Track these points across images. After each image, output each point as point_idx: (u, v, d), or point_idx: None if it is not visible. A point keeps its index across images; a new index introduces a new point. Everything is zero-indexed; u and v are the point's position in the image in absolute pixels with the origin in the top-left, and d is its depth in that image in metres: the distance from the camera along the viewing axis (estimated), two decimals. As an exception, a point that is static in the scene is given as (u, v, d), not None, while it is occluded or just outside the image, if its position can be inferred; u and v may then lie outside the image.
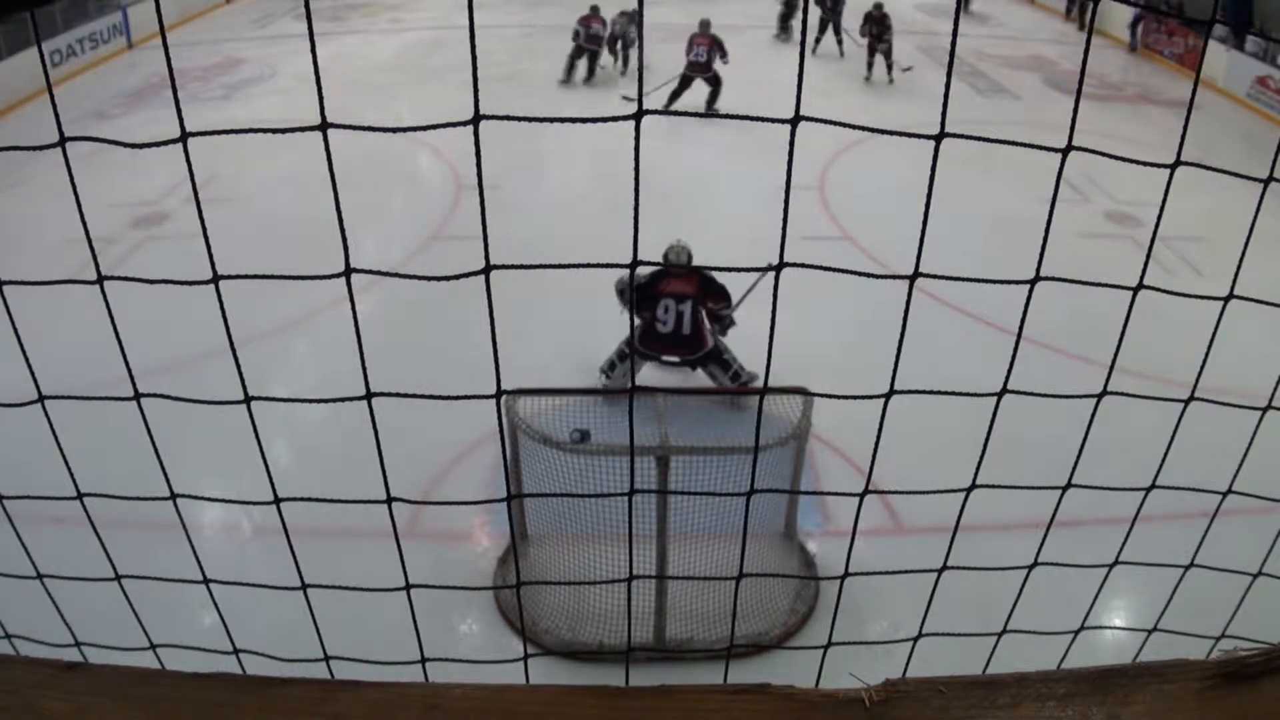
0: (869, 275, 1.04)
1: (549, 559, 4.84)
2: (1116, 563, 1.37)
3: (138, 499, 1.32)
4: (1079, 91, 1.16)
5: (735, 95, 12.74)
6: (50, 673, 0.92)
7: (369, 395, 1.08)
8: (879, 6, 14.45)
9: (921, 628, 1.30)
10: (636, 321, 6.45)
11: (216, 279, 1.02)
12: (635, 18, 13.31)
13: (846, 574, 1.25)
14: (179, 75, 13.19)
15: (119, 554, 1.33)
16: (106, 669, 0.93)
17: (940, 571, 1.25)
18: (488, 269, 0.98)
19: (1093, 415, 1.21)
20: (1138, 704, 0.87)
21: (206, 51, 16.01)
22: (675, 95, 12.83)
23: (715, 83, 12.90)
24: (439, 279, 1.09)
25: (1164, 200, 1.09)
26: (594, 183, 10.73)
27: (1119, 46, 17.37)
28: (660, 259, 6.27)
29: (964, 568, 1.30)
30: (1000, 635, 1.34)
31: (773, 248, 1.02)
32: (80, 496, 1.23)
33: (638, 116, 0.89)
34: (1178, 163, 1.05)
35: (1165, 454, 1.32)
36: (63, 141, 0.94)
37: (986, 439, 1.20)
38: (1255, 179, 1.10)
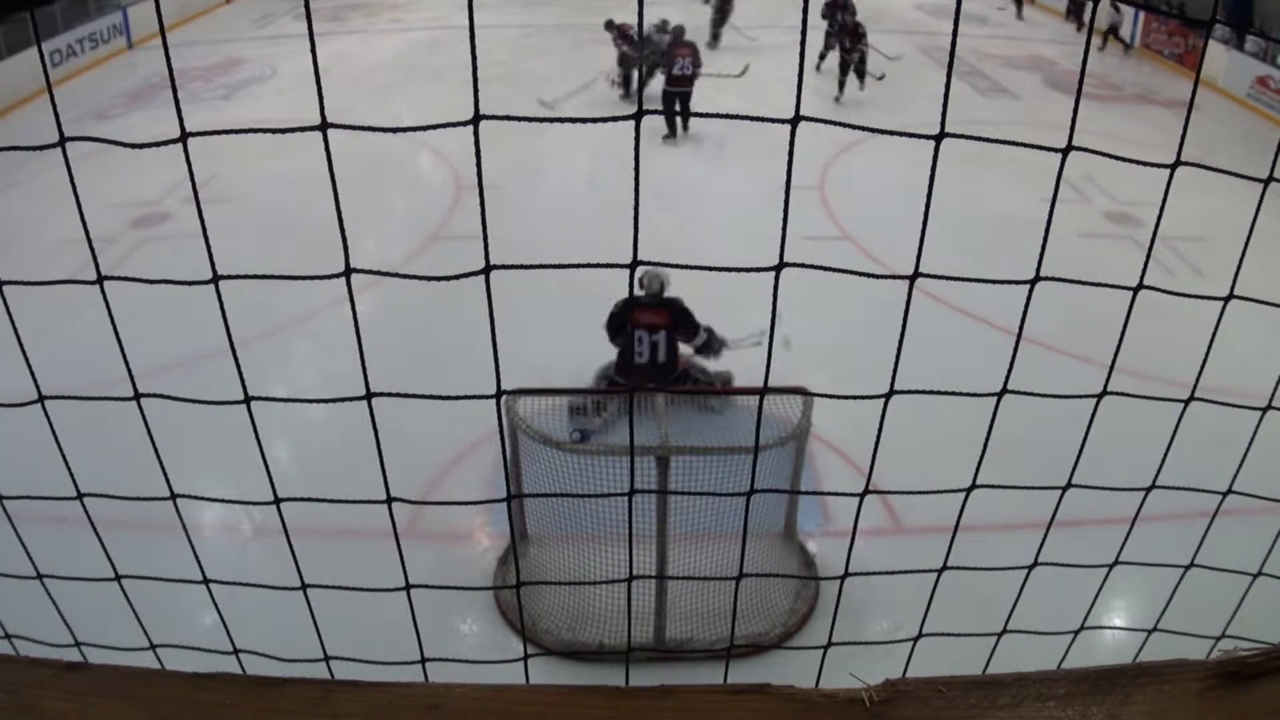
0: (869, 275, 1.04)
1: (549, 559, 4.84)
2: (1116, 563, 1.37)
3: (138, 499, 1.32)
4: (1079, 91, 1.16)
5: (736, 94, 12.75)
6: (50, 673, 0.92)
7: (369, 395, 1.08)
8: (851, 12, 13.80)
9: (921, 628, 1.30)
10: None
11: (216, 279, 1.02)
12: (661, 27, 12.36)
13: (846, 574, 1.25)
14: (179, 75, 13.20)
15: (119, 554, 1.33)
16: (106, 669, 0.93)
17: (940, 571, 1.25)
18: (488, 269, 0.98)
19: (1093, 415, 1.21)
20: (1138, 704, 0.87)
21: (206, 51, 16.01)
22: (670, 122, 11.73)
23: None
24: (439, 279, 1.09)
25: (1164, 200, 1.09)
26: (594, 183, 10.73)
27: (1119, 46, 17.37)
28: (647, 272, 6.25)
29: (964, 568, 1.30)
30: (1000, 635, 1.34)
31: (773, 247, 1.02)
32: (80, 496, 1.23)
33: (638, 116, 0.89)
34: (1178, 163, 1.05)
35: (1165, 454, 1.32)
36: (63, 141, 0.94)
37: (986, 439, 1.20)
38: (1255, 179, 1.10)
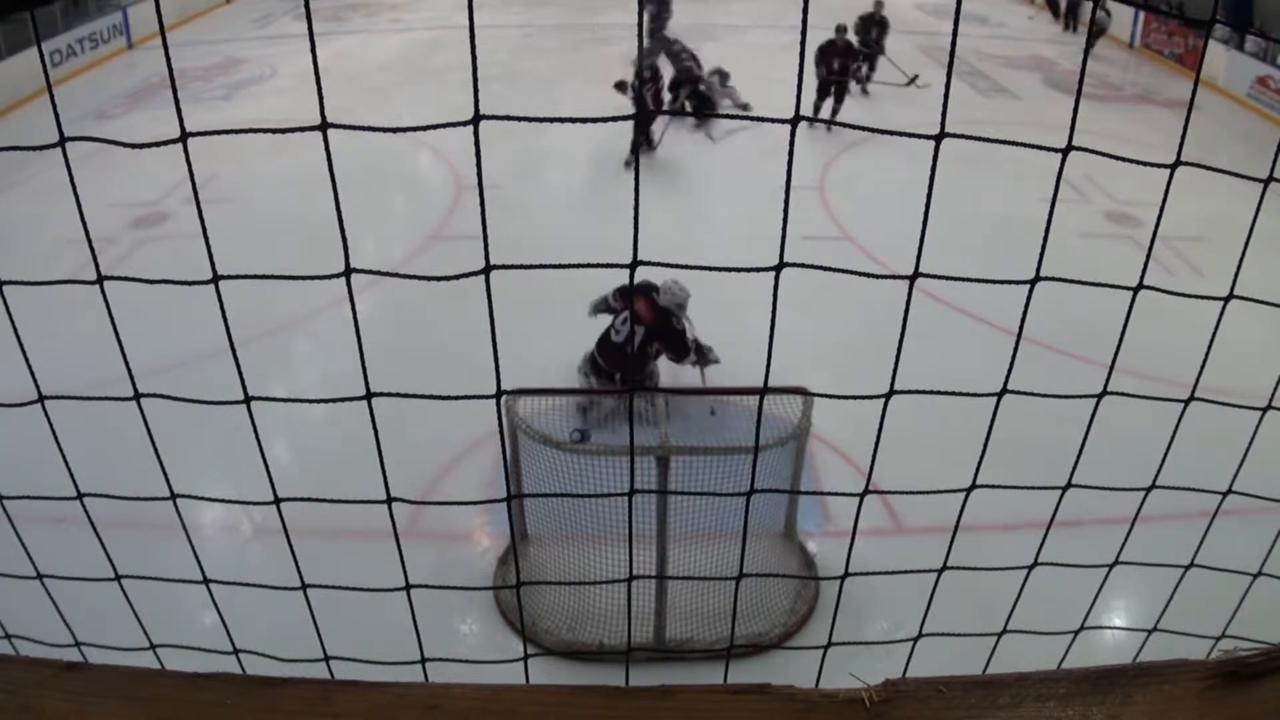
0: (869, 275, 1.04)
1: (549, 559, 4.84)
2: (1116, 563, 1.37)
3: (138, 499, 1.32)
4: (1079, 91, 1.16)
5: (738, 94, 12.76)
6: (50, 673, 0.92)
7: (369, 395, 1.08)
8: (842, 31, 12.44)
9: (921, 628, 1.30)
10: (614, 319, 6.46)
11: (216, 279, 1.02)
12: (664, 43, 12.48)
13: (846, 574, 1.25)
14: (179, 75, 13.19)
15: (119, 554, 1.33)
16: (106, 669, 0.93)
17: (940, 571, 1.25)
18: (488, 269, 0.98)
19: (1093, 415, 1.21)
20: (1138, 704, 0.87)
21: (206, 51, 16.02)
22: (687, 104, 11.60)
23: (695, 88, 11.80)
24: (439, 279, 1.09)
25: (1164, 200, 1.09)
26: (594, 183, 10.73)
27: (1119, 46, 17.37)
28: (671, 283, 6.30)
29: (964, 568, 1.30)
30: (1000, 635, 1.34)
31: (773, 247, 1.02)
32: (80, 496, 1.23)
33: (637, 116, 0.89)
34: (1178, 163, 1.05)
35: (1165, 454, 1.32)
36: (63, 141, 0.93)
37: (986, 439, 1.20)
38: (1255, 179, 1.10)
